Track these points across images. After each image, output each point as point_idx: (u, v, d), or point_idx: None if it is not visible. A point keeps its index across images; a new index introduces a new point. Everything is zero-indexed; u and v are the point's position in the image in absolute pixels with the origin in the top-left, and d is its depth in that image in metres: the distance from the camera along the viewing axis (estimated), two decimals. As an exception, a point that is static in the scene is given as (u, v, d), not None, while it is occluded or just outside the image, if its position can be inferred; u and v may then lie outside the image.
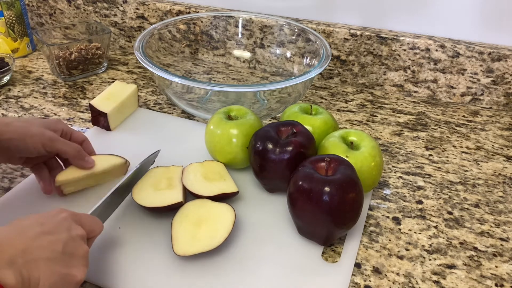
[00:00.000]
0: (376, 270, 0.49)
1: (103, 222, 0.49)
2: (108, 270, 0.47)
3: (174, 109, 0.77)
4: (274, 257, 0.49)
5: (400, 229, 0.55)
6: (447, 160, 0.68)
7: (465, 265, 0.50)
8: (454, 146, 0.71)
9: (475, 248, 0.53)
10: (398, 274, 0.49)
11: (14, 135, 0.50)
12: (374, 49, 0.83)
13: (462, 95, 0.83)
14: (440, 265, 0.50)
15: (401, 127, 0.76)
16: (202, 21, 0.89)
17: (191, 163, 0.58)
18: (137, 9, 0.95)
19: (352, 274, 0.49)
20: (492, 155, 0.69)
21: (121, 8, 0.96)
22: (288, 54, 0.86)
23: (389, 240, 0.53)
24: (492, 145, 0.72)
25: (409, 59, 0.82)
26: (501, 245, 0.53)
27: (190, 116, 0.75)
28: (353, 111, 0.79)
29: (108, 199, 0.50)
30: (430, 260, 0.51)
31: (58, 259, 0.37)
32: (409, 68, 0.83)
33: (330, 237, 0.49)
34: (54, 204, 0.54)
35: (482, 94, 0.82)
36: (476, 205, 0.59)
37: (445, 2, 0.79)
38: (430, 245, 0.53)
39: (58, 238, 0.38)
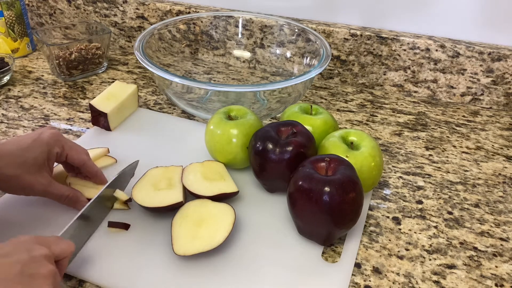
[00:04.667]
0: (376, 270, 0.49)
1: (85, 242, 0.49)
2: (108, 270, 0.47)
3: (174, 109, 0.77)
4: (274, 257, 0.49)
5: (400, 229, 0.55)
6: (447, 160, 0.68)
7: (465, 265, 0.50)
8: (454, 146, 0.71)
9: (475, 248, 0.53)
10: (398, 274, 0.49)
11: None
12: (374, 49, 0.83)
13: (462, 95, 0.83)
14: (440, 265, 0.50)
15: (401, 127, 0.76)
16: (202, 21, 0.89)
17: (191, 163, 0.58)
18: (137, 9, 0.95)
19: (352, 274, 0.49)
20: (492, 155, 0.69)
21: (121, 8, 0.96)
22: (288, 54, 0.86)
23: (389, 240, 0.53)
24: (492, 145, 0.72)
25: (409, 59, 0.82)
26: (501, 245, 0.53)
27: (190, 116, 0.75)
28: (353, 111, 0.79)
29: (80, 218, 0.49)
30: (430, 260, 0.51)
31: (16, 280, 0.35)
32: (409, 68, 0.83)
33: (330, 237, 0.49)
34: (53, 204, 0.54)
35: (482, 94, 0.82)
36: (476, 205, 0.59)
37: (445, 2, 0.79)
38: (430, 245, 0.53)
39: (16, 260, 0.37)
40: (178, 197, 0.52)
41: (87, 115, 0.74)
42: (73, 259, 0.46)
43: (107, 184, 0.53)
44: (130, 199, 0.54)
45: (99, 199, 0.52)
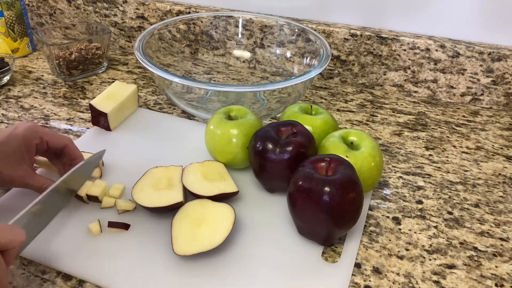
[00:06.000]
0: (376, 270, 0.49)
1: (39, 231, 0.46)
2: (108, 270, 0.47)
3: (174, 109, 0.77)
4: (274, 257, 0.49)
5: (400, 229, 0.55)
6: (447, 160, 0.68)
7: (465, 265, 0.50)
8: (454, 146, 0.71)
9: (475, 248, 0.53)
10: (398, 274, 0.49)
11: None
12: (374, 49, 0.83)
13: (462, 95, 0.83)
14: (440, 265, 0.50)
15: (401, 127, 0.76)
16: (202, 21, 0.89)
17: (191, 163, 0.58)
18: (137, 9, 0.95)
19: (352, 274, 0.49)
20: (492, 155, 0.69)
21: (121, 8, 0.96)
22: (288, 54, 0.86)
23: (389, 240, 0.53)
24: (492, 145, 0.72)
25: (409, 59, 0.82)
26: (501, 245, 0.53)
27: (190, 116, 0.75)
28: (353, 111, 0.79)
29: (36, 207, 0.46)
30: (430, 260, 0.51)
31: None
32: (409, 68, 0.83)
33: (330, 237, 0.49)
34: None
35: (482, 94, 0.82)
36: (476, 205, 0.59)
37: (445, 2, 0.79)
38: (430, 245, 0.53)
39: None
40: (178, 197, 0.52)
41: (87, 115, 0.74)
42: (23, 249, 0.45)
43: (66, 174, 0.51)
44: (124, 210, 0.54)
45: (57, 188, 0.49)
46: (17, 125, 0.53)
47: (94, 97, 0.70)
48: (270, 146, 0.54)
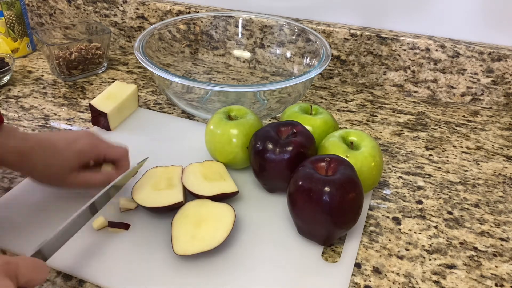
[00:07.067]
0: (376, 270, 0.49)
1: (53, 253, 0.43)
2: (108, 270, 0.47)
3: (174, 109, 0.77)
4: (274, 257, 0.49)
5: (400, 229, 0.55)
6: (447, 160, 0.68)
7: (465, 265, 0.50)
8: (454, 146, 0.71)
9: (475, 248, 0.53)
10: (398, 274, 0.49)
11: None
12: (374, 49, 0.83)
13: (462, 95, 0.83)
14: (440, 265, 0.50)
15: (401, 127, 0.76)
16: (202, 21, 0.89)
17: (191, 163, 0.58)
18: (137, 9, 0.95)
19: (352, 274, 0.49)
20: (492, 155, 0.69)
21: (121, 8, 0.96)
22: (288, 54, 0.86)
23: (389, 240, 0.53)
24: (492, 145, 0.72)
25: (409, 59, 0.82)
26: (501, 245, 0.53)
27: (190, 116, 0.75)
28: (353, 111, 0.79)
29: (64, 229, 0.44)
30: (430, 260, 0.51)
31: None
32: (409, 68, 0.83)
33: (330, 237, 0.49)
34: (54, 202, 0.54)
35: (482, 94, 0.82)
36: (476, 205, 0.59)
37: (445, 2, 0.79)
38: (430, 245, 0.53)
39: None
40: (178, 197, 0.52)
41: (87, 115, 0.74)
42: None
43: (109, 185, 0.50)
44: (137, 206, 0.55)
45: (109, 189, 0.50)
46: (77, 137, 0.52)
47: (94, 97, 0.70)
48: (270, 146, 0.54)
